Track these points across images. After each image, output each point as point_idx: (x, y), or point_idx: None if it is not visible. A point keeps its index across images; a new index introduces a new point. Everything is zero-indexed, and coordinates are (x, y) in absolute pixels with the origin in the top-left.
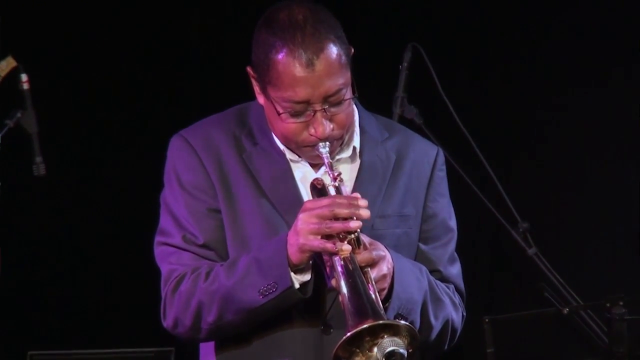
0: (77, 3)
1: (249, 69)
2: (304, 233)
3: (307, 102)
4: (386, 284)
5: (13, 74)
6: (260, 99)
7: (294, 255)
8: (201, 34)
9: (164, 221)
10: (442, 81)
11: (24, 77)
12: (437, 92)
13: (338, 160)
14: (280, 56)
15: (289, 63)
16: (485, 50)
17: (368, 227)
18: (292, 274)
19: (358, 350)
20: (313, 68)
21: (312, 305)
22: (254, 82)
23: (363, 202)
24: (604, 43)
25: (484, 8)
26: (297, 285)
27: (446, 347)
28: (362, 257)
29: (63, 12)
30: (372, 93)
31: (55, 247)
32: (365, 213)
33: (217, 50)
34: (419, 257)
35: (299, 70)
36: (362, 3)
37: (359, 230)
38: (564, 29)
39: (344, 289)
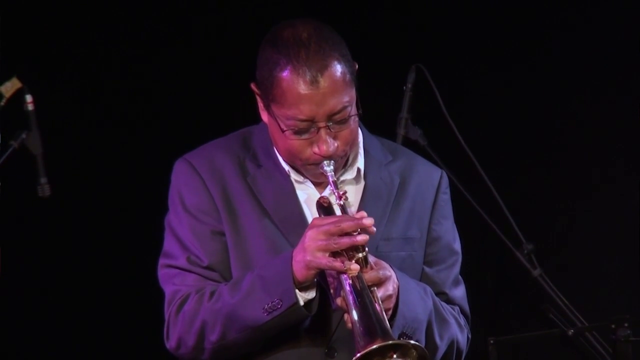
0: (83, 24)
1: (253, 85)
2: (311, 250)
3: (312, 120)
4: (392, 304)
5: (18, 95)
6: (264, 116)
7: (300, 272)
8: (208, 55)
9: (168, 244)
10: (446, 102)
11: (28, 98)
12: (441, 113)
13: (342, 181)
14: (284, 73)
15: (293, 80)
16: (489, 71)
17: (372, 249)
18: (296, 290)
19: None
20: (317, 85)
21: (316, 328)
22: (258, 99)
23: (369, 221)
24: (606, 61)
25: (487, 29)
26: (301, 302)
27: None
28: (369, 276)
29: (68, 32)
30: (376, 114)
31: (60, 269)
32: (370, 225)
33: (223, 71)
34: (424, 279)
35: (303, 87)
36: (366, 24)
37: (367, 249)
38: (567, 47)
39: (353, 309)
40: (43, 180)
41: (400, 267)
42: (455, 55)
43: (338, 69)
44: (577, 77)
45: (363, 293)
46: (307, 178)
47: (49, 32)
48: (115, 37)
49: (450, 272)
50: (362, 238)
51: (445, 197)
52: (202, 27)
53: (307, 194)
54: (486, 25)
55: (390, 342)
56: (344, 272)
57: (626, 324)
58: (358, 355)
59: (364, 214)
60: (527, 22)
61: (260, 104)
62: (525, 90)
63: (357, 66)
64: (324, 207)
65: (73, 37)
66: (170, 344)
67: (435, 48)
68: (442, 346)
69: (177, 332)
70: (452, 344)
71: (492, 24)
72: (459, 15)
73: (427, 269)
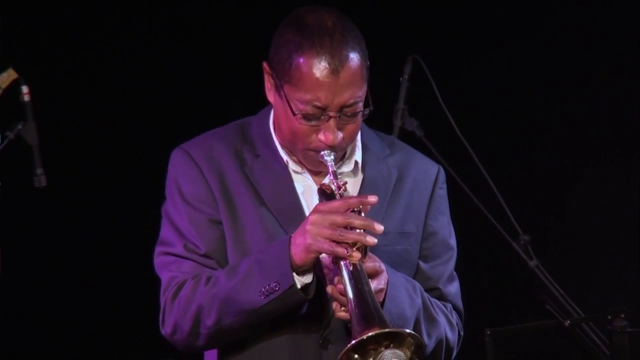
0: (79, 14)
1: (265, 64)
2: (313, 234)
3: (324, 108)
4: (381, 298)
5: (14, 86)
6: (271, 96)
7: (299, 255)
8: (205, 46)
9: (165, 232)
10: (443, 93)
11: (24, 88)
12: (437, 104)
13: (340, 173)
14: (305, 58)
15: (315, 66)
16: (486, 62)
17: None
18: (294, 274)
19: (360, 358)
20: (337, 75)
21: (310, 320)
22: (267, 78)
23: (373, 198)
24: (604, 52)
25: (484, 20)
26: (299, 286)
27: None
28: (367, 266)
29: (64, 23)
30: (372, 105)
31: (56, 258)
32: (379, 228)
33: (221, 61)
34: (419, 275)
35: (323, 75)
36: (363, 15)
37: None
38: (566, 40)
39: (351, 295)
40: (39, 170)
41: (395, 261)
42: (452, 47)
43: (358, 62)
44: (576, 68)
45: (362, 281)
46: (305, 168)
47: (45, 23)
48: (111, 28)
49: (445, 268)
50: (371, 239)
51: (442, 193)
52: (199, 18)
53: (304, 185)
54: (483, 16)
55: (388, 329)
56: (345, 259)
57: (622, 315)
58: (354, 341)
59: (371, 199)
60: (524, 13)
61: (269, 84)
62: (523, 81)
63: (368, 63)
64: (327, 194)
65: (69, 27)
66: (165, 330)
67: (432, 39)
68: (430, 344)
69: (172, 317)
70: (441, 343)
71: (489, 15)
72: (456, 6)
73: (422, 264)
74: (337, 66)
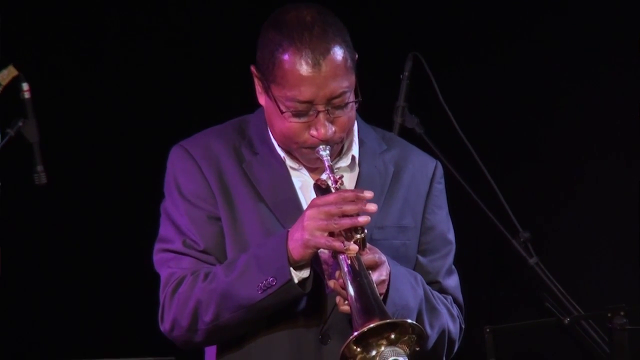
0: (79, 11)
1: (252, 68)
2: (310, 229)
3: (311, 103)
4: (383, 290)
5: (14, 83)
6: (262, 99)
7: (296, 250)
8: (204, 44)
9: (164, 229)
10: (443, 91)
11: (25, 86)
12: (438, 101)
13: (337, 168)
14: (286, 55)
15: (295, 62)
16: (486, 60)
17: (367, 237)
18: (291, 269)
19: (362, 351)
20: (319, 68)
21: (309, 315)
22: (257, 82)
23: (369, 194)
24: (604, 49)
25: (485, 18)
26: (296, 280)
27: (444, 358)
28: (366, 258)
29: (65, 20)
30: (372, 102)
31: (55, 255)
32: (372, 207)
33: (220, 59)
34: (418, 269)
35: (305, 69)
36: (363, 12)
37: (365, 231)
38: (567, 36)
39: (350, 289)
40: (39, 168)
41: (394, 255)
42: (452, 44)
43: (340, 53)
44: (577, 66)
45: (361, 274)
46: (302, 165)
47: (46, 20)
48: (112, 26)
49: (444, 262)
50: (363, 219)
51: (440, 187)
52: (199, 17)
53: (302, 181)
54: (483, 13)
55: (389, 320)
56: (343, 253)
57: (622, 313)
58: (356, 334)
59: (367, 194)
60: (525, 10)
61: (258, 87)
62: (523, 79)
63: (357, 56)
64: (322, 189)
65: (69, 25)
66: (164, 326)
67: (432, 36)
68: (432, 335)
69: (171, 313)
70: (443, 334)
71: (490, 12)
72: (456, 3)
73: (420, 259)
74: (319, 59)
